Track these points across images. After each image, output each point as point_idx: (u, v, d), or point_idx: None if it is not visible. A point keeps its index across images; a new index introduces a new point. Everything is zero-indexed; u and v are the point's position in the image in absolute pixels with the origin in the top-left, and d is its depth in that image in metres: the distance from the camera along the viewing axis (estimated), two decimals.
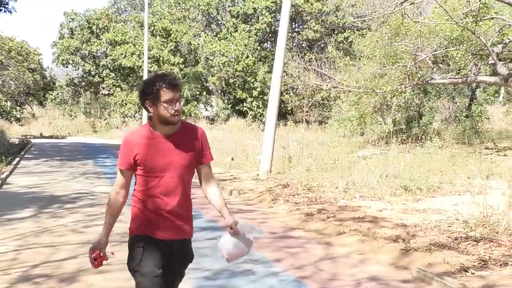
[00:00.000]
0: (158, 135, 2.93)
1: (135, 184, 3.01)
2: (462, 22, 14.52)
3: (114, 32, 35.43)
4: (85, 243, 6.38)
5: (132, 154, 2.90)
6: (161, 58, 34.34)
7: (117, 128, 39.58)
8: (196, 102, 36.47)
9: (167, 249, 2.94)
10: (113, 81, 36.55)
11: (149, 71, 32.07)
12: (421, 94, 19.55)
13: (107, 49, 36.56)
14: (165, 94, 2.81)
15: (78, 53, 38.53)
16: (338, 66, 22.70)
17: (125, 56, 34.44)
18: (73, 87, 41.79)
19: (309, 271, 5.53)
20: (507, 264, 5.09)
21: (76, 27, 38.63)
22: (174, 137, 2.95)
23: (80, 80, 40.95)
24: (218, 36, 37.11)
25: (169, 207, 2.94)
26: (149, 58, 31.84)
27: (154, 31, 35.16)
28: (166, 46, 35.06)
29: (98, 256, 2.90)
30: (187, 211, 3.05)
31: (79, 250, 6.17)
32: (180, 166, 2.95)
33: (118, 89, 36.33)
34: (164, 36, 35.51)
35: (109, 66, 36.25)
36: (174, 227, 2.97)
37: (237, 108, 36.54)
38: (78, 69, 39.67)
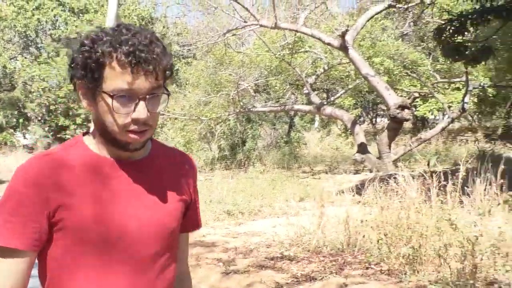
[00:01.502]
0: (108, 160, 1.33)
1: (46, 281, 1.32)
2: (280, 54, 15.57)
3: None
4: None
5: (46, 209, 1.24)
6: None
7: None
8: (12, 130, 34.15)
9: None
10: None
11: None
12: (244, 122, 20.36)
13: None
14: (117, 76, 1.21)
15: None
16: None
17: None
18: None
19: None
20: (315, 279, 5.47)
21: None
22: (144, 167, 1.38)
23: None
24: (38, 60, 35.22)
25: None
26: None
27: None
28: None
29: None
30: None
31: None
32: (164, 231, 1.36)
33: None
34: None
35: None
36: None
37: (59, 136, 34.81)
38: None
